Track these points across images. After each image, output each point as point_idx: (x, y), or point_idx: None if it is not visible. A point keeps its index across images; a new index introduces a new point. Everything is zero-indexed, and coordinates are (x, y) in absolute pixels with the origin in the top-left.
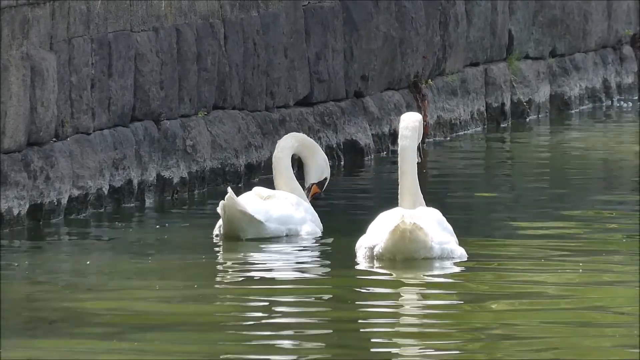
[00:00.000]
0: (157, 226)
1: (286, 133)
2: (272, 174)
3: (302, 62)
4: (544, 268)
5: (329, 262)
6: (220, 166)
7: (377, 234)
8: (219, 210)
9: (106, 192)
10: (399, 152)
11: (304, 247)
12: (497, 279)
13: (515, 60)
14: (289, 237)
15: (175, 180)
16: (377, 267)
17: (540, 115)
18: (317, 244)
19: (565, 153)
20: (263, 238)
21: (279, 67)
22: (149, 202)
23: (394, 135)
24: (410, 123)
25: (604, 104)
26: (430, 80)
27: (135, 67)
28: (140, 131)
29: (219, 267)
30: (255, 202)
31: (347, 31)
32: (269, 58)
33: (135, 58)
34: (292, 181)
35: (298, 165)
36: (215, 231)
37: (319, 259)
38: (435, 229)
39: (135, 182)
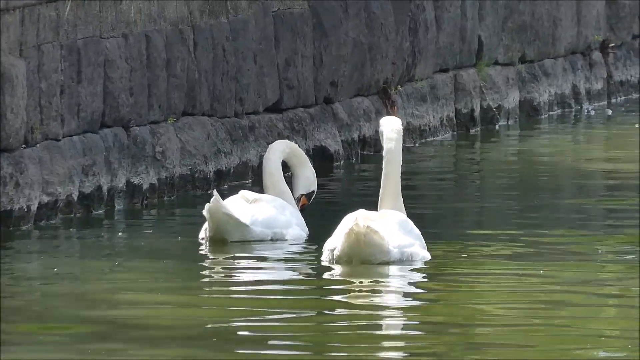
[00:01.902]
0: (123, 232)
1: (255, 139)
2: (241, 180)
3: (271, 68)
4: (507, 277)
5: (312, 266)
6: (189, 172)
7: (336, 237)
8: (204, 213)
9: (76, 198)
10: (384, 154)
11: (288, 250)
12: (455, 284)
13: (485, 66)
14: (274, 240)
15: (145, 186)
16: (336, 273)
17: (509, 121)
18: (301, 248)
19: (534, 159)
20: (248, 241)
21: (248, 73)
22: (118, 208)
23: (363, 142)
24: (396, 126)
25: (573, 109)
26: (399, 86)
27: (105, 74)
28: (109, 137)
29: (204, 271)
30: (240, 205)
31: (316, 37)
32: (238, 64)
33: (104, 64)
34: (281, 183)
35: (288, 169)
36: (201, 234)
37: (302, 262)
38: (394, 232)
39: (104, 188)
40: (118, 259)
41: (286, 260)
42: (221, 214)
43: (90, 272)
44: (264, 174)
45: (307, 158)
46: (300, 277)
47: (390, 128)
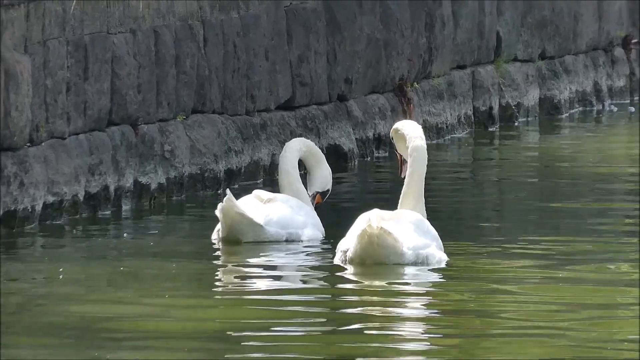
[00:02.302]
0: (130, 234)
1: (267, 138)
2: (252, 180)
3: (283, 64)
4: (525, 280)
5: (329, 268)
6: (199, 172)
7: (349, 238)
8: (217, 213)
9: (82, 198)
10: (410, 152)
11: (303, 251)
12: (474, 287)
13: (504, 62)
14: (289, 241)
15: (153, 186)
16: (349, 276)
17: (529, 119)
18: (316, 249)
19: (554, 158)
20: (262, 242)
21: (259, 70)
22: (125, 208)
23: (378, 140)
24: (419, 127)
25: (595, 107)
26: (415, 83)
27: (112, 70)
28: (117, 136)
29: (215, 274)
30: (254, 205)
31: (330, 33)
32: (249, 61)
33: (112, 61)
34: (297, 183)
35: (304, 168)
36: (214, 235)
37: (318, 264)
38: (409, 233)
39: (111, 188)
40: (125, 261)
41: (300, 262)
42: (234, 213)
43: (95, 275)
44: (279, 172)
45: (324, 156)
46: (314, 280)
47: (415, 127)
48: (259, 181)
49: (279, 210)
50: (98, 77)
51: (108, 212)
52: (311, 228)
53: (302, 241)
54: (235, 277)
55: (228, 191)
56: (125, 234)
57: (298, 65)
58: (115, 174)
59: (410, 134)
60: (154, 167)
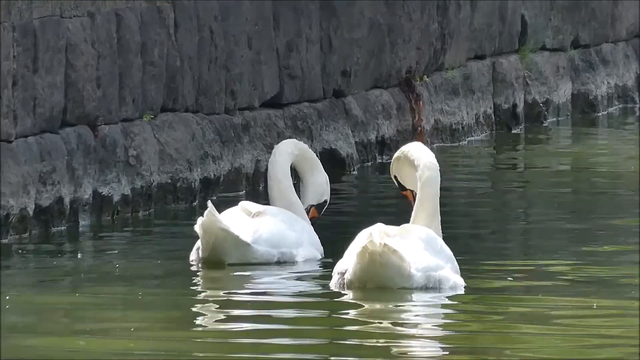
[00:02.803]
0: (87, 254)
1: (250, 141)
2: (233, 190)
3: (269, 54)
4: (554, 314)
5: (328, 294)
6: (170, 181)
7: (348, 257)
8: (196, 229)
9: (31, 212)
10: (421, 173)
11: (298, 275)
12: (494, 323)
13: (530, 52)
14: (282, 262)
15: (116, 198)
16: (347, 302)
17: (560, 119)
18: (314, 272)
19: (589, 166)
20: (250, 263)
21: (241, 60)
22: (83, 224)
23: (382, 144)
24: (432, 156)
25: (638, 105)
26: (425, 76)
27: (66, 61)
28: (72, 139)
29: (193, 304)
30: (241, 219)
31: (324, 17)
32: (229, 49)
33: (66, 49)
34: (290, 193)
35: (296, 176)
36: (192, 255)
37: (316, 290)
38: (418, 251)
39: (66, 200)
40: (83, 288)
41: (295, 288)
42: (217, 230)
43: (47, 304)
44: (269, 181)
45: (319, 161)
46: (309, 309)
47: (420, 148)
48: (240, 192)
49: (270, 226)
50: (50, 68)
51: (63, 229)
52: (307, 246)
53: (296, 262)
54: (217, 307)
55: (209, 203)
56: (79, 255)
57: (286, 55)
58: (71, 184)
59: (416, 154)
60: (116, 175)
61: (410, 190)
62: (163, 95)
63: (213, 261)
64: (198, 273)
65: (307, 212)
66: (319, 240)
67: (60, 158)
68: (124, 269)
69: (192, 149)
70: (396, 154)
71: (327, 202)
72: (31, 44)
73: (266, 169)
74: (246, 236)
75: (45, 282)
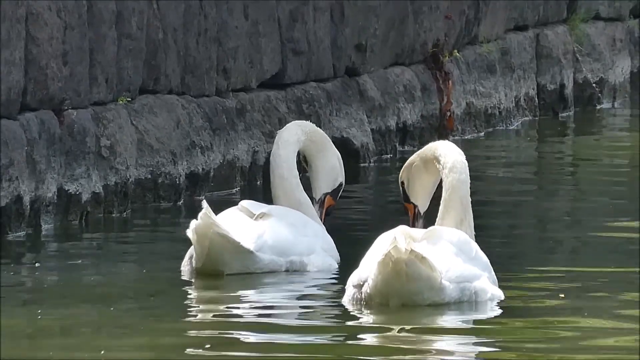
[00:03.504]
0: (45, 263)
1: (246, 128)
2: (225, 188)
3: (269, 25)
4: (606, 330)
5: (343, 310)
6: (150, 176)
7: (367, 266)
8: (189, 234)
9: None
10: (448, 165)
11: (310, 287)
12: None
13: (581, 22)
14: (290, 272)
15: (85, 196)
16: (365, 322)
17: (616, 102)
18: (328, 284)
19: None
20: (253, 273)
21: (235, 32)
22: (47, 227)
23: (403, 131)
24: (462, 155)
25: None
26: (456, 51)
27: (27, 33)
28: (33, 126)
29: (187, 322)
30: (242, 222)
31: None
32: (221, 19)
33: (26, 19)
34: (297, 191)
35: (300, 167)
36: (185, 265)
37: (330, 304)
38: (450, 258)
39: (26, 199)
40: (46, 305)
41: (305, 303)
42: (214, 234)
43: (5, 324)
44: (272, 178)
45: (329, 140)
46: (323, 329)
47: (447, 144)
48: (234, 190)
49: (276, 230)
50: (7, 42)
51: (22, 234)
52: (320, 254)
53: (308, 272)
54: (212, 328)
55: (205, 203)
56: (37, 264)
57: (290, 26)
58: (31, 180)
59: (444, 152)
60: (86, 169)
61: (413, 204)
62: (142, 74)
63: (209, 272)
64: (190, 287)
65: (322, 203)
66: (334, 246)
67: (18, 149)
68: (97, 282)
69: (176, 138)
70: (412, 158)
71: (343, 185)
72: None
73: (266, 163)
74: (248, 242)
75: (2, 298)
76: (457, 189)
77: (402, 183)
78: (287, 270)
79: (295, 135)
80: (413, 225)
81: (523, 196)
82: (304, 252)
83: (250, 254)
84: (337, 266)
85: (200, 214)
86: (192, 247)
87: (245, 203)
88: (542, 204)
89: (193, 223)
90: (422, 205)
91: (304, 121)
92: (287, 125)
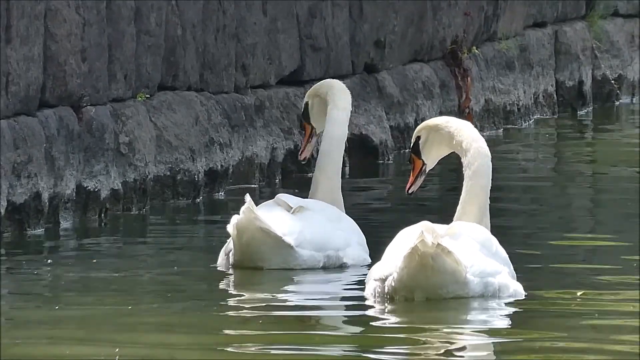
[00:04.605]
0: (69, 260)
1: (265, 125)
2: (244, 183)
3: (288, 21)
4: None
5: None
6: (169, 173)
7: (390, 260)
8: (229, 229)
9: (3, 211)
10: (470, 161)
11: (350, 283)
12: (561, 336)
13: (600, 18)
14: (327, 268)
15: (104, 193)
16: (390, 312)
17: (635, 98)
18: (362, 278)
19: None
20: (291, 269)
21: (254, 29)
22: (65, 224)
23: None
24: (484, 141)
25: None
26: (475, 47)
27: (46, 29)
28: (52, 122)
29: (224, 321)
30: (282, 217)
31: None
32: (239, 16)
33: (45, 16)
34: (338, 192)
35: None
36: (221, 260)
37: (362, 303)
38: (475, 253)
39: (45, 196)
40: (65, 300)
41: (346, 298)
42: (256, 229)
43: (24, 321)
44: (317, 172)
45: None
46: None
47: (469, 128)
48: (253, 186)
49: (314, 224)
50: (25, 38)
51: (41, 231)
52: (356, 247)
53: (345, 265)
54: (248, 327)
55: (248, 197)
56: (48, 260)
57: (308, 22)
58: (50, 177)
59: (465, 134)
60: (104, 166)
61: (423, 161)
62: (161, 71)
63: (247, 265)
64: (227, 283)
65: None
66: (364, 239)
67: (37, 145)
68: (117, 280)
69: (195, 134)
70: (439, 120)
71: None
72: (3, 9)
73: (284, 159)
74: (289, 237)
75: (20, 295)
76: (476, 195)
77: (419, 137)
78: (324, 266)
79: (348, 102)
80: (415, 179)
81: (539, 194)
82: (340, 246)
83: (290, 249)
84: (371, 260)
85: (242, 209)
86: (229, 241)
87: (281, 196)
88: (559, 203)
89: (235, 218)
90: (430, 165)
91: (333, 80)
92: (337, 105)
